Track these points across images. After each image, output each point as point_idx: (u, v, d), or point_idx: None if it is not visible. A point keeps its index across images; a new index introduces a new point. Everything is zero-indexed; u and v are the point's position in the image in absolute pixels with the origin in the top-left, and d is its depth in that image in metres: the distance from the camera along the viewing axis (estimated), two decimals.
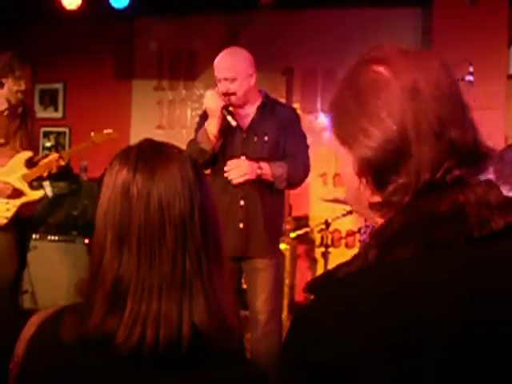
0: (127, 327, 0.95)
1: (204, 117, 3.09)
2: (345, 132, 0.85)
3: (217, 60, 3.00)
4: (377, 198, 0.82)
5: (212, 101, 2.90)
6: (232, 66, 2.96)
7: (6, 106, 3.78)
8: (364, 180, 0.82)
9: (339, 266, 0.80)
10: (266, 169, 2.96)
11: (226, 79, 2.94)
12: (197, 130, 3.12)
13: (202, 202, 1.01)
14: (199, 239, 0.99)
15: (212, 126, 2.92)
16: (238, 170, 2.94)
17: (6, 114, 3.81)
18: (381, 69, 0.82)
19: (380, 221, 0.83)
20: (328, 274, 0.82)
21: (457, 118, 0.80)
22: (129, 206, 0.99)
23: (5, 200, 3.74)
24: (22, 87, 3.68)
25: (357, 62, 0.86)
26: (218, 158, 3.07)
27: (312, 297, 0.79)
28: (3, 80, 3.70)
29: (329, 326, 0.71)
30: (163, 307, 0.96)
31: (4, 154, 3.83)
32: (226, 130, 2.98)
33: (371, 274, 0.76)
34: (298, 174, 3.09)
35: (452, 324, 0.69)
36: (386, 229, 0.79)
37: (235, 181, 2.95)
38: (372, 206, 0.83)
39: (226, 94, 2.93)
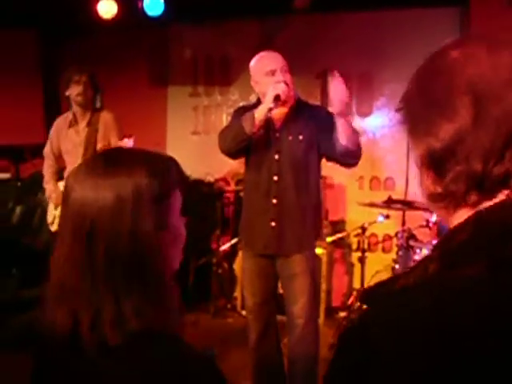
0: (64, 321, 1.03)
1: (239, 112, 3.13)
2: (409, 124, 0.81)
3: (266, 55, 3.06)
4: (438, 189, 0.77)
5: (280, 88, 2.90)
6: (283, 59, 3.04)
7: (86, 118, 4.06)
8: (425, 171, 0.78)
9: (396, 278, 0.75)
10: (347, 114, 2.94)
11: (282, 69, 2.99)
12: (231, 122, 3.16)
13: (136, 221, 1.02)
14: (123, 255, 1.02)
15: (261, 111, 2.92)
16: (341, 95, 2.83)
17: (84, 124, 4.08)
18: (451, 53, 0.77)
19: (453, 221, 0.77)
20: (383, 284, 0.77)
21: None
22: (66, 211, 1.08)
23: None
24: (80, 90, 3.95)
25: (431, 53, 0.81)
26: (250, 157, 3.10)
27: (364, 307, 0.75)
28: (67, 92, 4.02)
29: (380, 340, 0.68)
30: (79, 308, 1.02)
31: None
32: (261, 128, 2.99)
33: (431, 290, 0.69)
34: (356, 136, 2.96)
35: None
36: (452, 238, 0.73)
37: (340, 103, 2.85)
38: (432, 197, 0.78)
39: (285, 83, 2.94)
